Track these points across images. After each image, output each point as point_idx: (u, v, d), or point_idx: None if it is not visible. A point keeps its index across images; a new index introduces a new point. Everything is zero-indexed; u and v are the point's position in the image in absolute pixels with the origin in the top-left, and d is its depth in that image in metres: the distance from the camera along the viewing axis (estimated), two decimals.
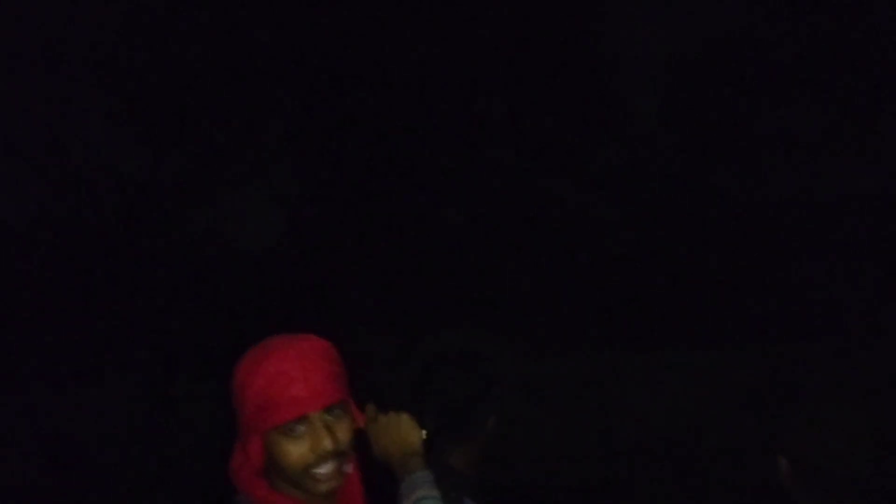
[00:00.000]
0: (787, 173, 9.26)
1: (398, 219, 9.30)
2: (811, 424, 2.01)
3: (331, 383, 1.62)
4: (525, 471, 7.19)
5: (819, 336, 8.03)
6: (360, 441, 1.74)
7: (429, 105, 9.43)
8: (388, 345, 8.15)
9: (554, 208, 9.29)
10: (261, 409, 1.58)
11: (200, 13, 8.91)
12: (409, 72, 9.26)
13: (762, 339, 7.73)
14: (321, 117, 9.49)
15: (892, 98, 9.00)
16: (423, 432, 1.89)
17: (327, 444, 1.59)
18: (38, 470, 6.98)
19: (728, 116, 9.52)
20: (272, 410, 1.58)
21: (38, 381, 8.10)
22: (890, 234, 8.53)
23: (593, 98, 9.62)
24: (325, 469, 1.60)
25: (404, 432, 1.85)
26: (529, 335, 8.92)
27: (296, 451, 1.59)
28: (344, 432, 1.63)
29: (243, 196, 9.10)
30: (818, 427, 2.00)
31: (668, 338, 8.41)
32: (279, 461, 1.60)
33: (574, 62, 9.56)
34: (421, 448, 1.87)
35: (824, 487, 1.99)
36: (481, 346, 8.11)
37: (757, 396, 6.03)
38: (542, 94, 9.57)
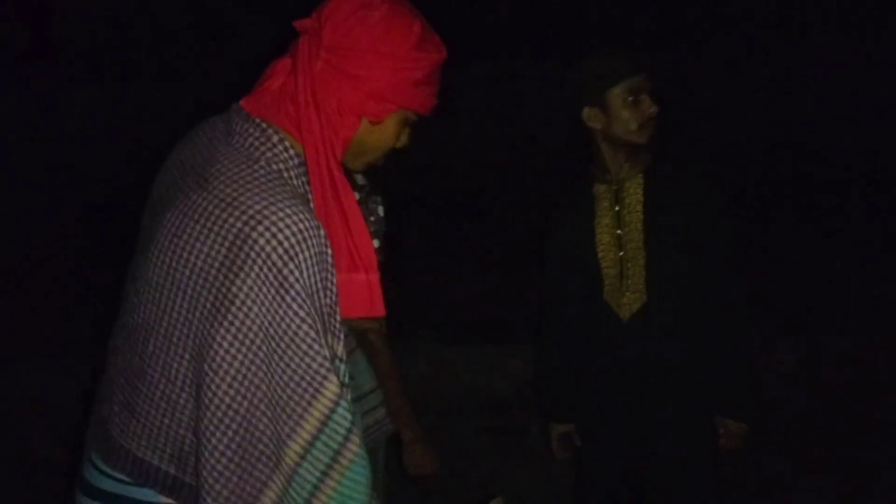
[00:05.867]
0: None
1: None
2: None
3: None
4: (432, 178, 7.26)
5: None
6: None
7: None
8: None
9: None
10: (419, 85, 1.42)
11: None
12: None
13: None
14: None
15: None
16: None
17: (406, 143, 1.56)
18: None
19: None
20: (426, 96, 1.46)
21: None
22: None
23: None
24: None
25: None
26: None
27: (398, 139, 1.51)
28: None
29: None
30: None
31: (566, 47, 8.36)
32: (380, 135, 1.46)
33: None
34: None
35: None
36: None
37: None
38: None
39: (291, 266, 1.24)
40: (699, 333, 2.43)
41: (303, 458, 1.25)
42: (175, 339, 1.30)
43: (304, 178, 1.38)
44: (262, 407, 1.24)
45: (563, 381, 2.65)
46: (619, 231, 2.44)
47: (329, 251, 1.30)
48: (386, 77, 1.38)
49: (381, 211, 2.35)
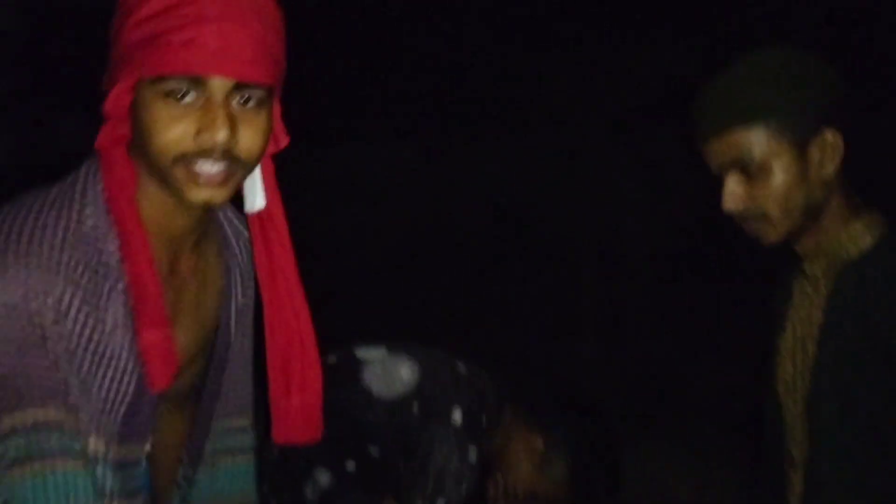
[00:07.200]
0: None
1: None
2: None
3: (261, 53, 1.07)
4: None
5: None
6: None
7: None
8: None
9: None
10: (144, 44, 1.05)
11: None
12: None
13: None
14: None
15: None
16: None
17: (221, 135, 1.05)
18: None
19: None
20: (159, 50, 1.04)
21: None
22: None
23: None
24: (207, 167, 1.08)
25: None
26: None
27: (173, 127, 1.06)
28: (253, 137, 1.09)
29: None
30: None
31: None
32: (144, 133, 1.08)
33: None
34: None
35: None
36: None
37: None
38: None
39: None
40: None
41: None
42: None
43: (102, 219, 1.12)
44: None
45: None
46: (798, 356, 1.59)
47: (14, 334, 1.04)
48: (117, 32, 1.10)
49: None
